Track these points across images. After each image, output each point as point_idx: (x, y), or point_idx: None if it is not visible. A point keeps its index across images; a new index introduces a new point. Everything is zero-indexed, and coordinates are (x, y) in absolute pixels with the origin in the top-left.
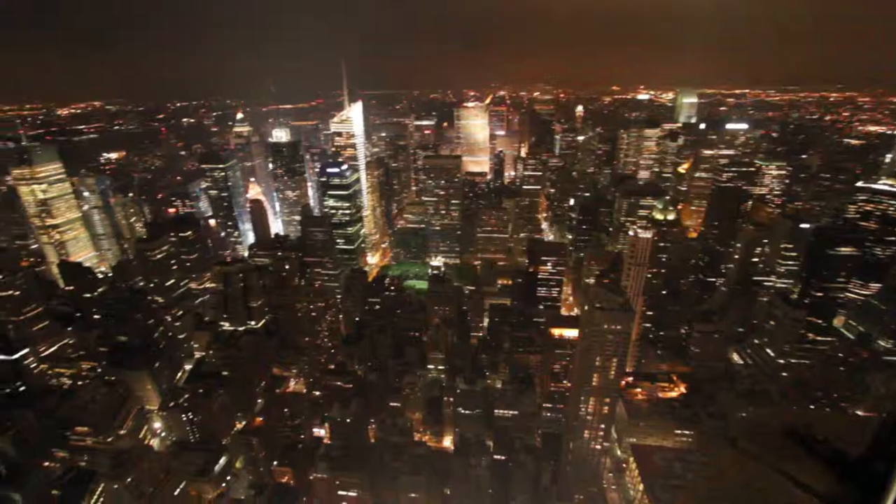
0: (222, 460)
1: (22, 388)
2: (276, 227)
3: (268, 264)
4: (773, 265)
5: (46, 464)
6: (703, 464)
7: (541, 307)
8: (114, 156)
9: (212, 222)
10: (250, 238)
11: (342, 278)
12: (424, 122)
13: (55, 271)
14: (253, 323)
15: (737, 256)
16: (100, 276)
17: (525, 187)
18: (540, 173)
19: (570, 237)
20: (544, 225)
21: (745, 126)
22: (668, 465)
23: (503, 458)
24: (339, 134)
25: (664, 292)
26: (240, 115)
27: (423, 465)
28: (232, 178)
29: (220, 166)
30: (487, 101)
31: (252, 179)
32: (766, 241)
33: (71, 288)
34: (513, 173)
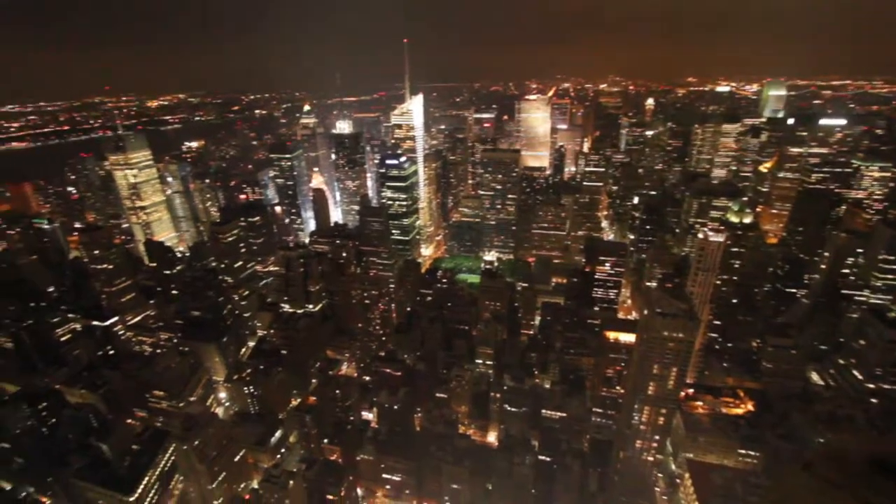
0: (278, 433)
1: (111, 352)
2: (335, 215)
3: (327, 251)
4: (868, 278)
5: (129, 421)
6: (768, 487)
7: (596, 308)
8: (194, 144)
9: (277, 209)
10: (312, 225)
11: (396, 268)
12: (484, 115)
13: (141, 249)
14: (311, 306)
15: (824, 266)
16: (178, 254)
17: (586, 183)
18: (602, 169)
19: (632, 237)
20: (604, 223)
21: (842, 122)
22: (728, 485)
23: (548, 459)
24: (399, 126)
25: (735, 301)
26: (307, 108)
27: (466, 457)
28: (297, 167)
29: (287, 156)
30: (550, 93)
31: (315, 169)
32: (860, 250)
33: (154, 265)
34: (573, 169)
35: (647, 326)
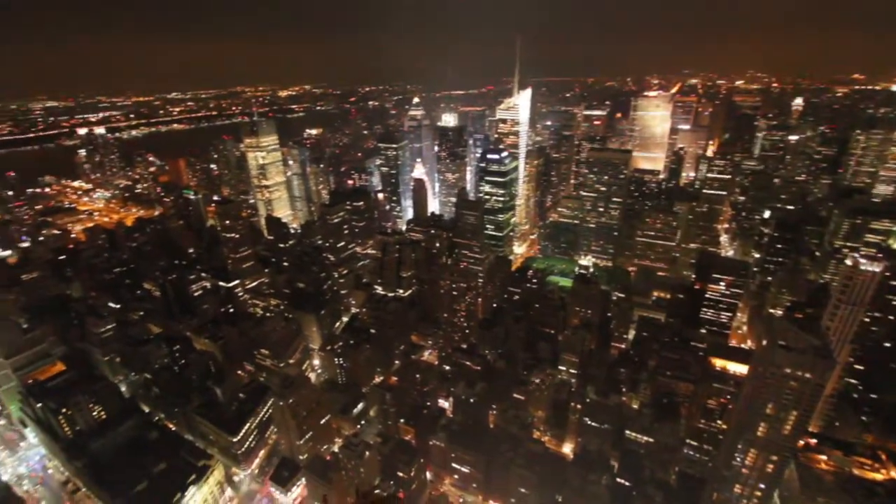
0: (361, 405)
1: (231, 310)
2: (433, 206)
3: (421, 240)
4: None
5: (238, 372)
6: None
7: (703, 331)
8: (314, 132)
9: (380, 196)
10: (410, 214)
11: (487, 263)
12: (595, 112)
13: (262, 223)
14: (401, 291)
15: None
16: (292, 231)
17: (706, 191)
18: (728, 176)
19: (757, 256)
20: (724, 237)
21: None
22: None
23: (627, 483)
24: (504, 121)
25: (887, 345)
26: (416, 100)
27: (537, 463)
28: (402, 157)
29: (394, 146)
30: (674, 90)
31: (418, 160)
32: None
33: (271, 238)
34: (692, 174)
35: (765, 359)
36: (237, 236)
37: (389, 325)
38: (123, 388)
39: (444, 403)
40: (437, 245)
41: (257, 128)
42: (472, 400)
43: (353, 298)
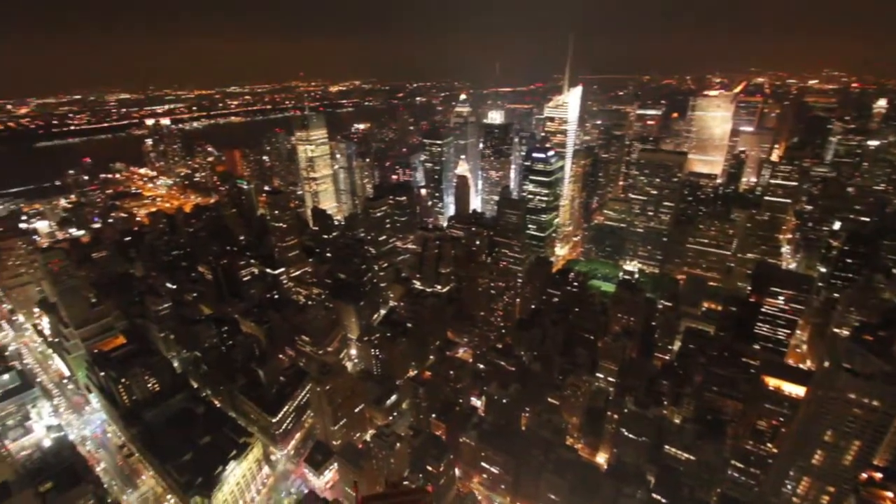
0: (394, 397)
1: (276, 296)
2: (475, 203)
3: (461, 237)
4: None
5: (280, 356)
6: None
7: (756, 347)
8: (361, 126)
9: (423, 191)
10: (451, 210)
11: (527, 263)
12: (649, 112)
13: (308, 214)
14: (439, 287)
15: None
16: (336, 223)
17: (768, 198)
18: (795, 183)
19: (823, 270)
20: (785, 248)
21: None
22: None
23: (663, 500)
24: (552, 119)
25: None
26: (463, 96)
27: (569, 470)
28: (446, 153)
29: (438, 142)
30: (737, 89)
31: (462, 157)
32: None
33: (316, 229)
34: (754, 180)
35: (827, 382)
36: (285, 226)
37: (426, 320)
38: (176, 364)
39: (477, 402)
40: (478, 243)
41: (308, 122)
42: (504, 400)
43: (392, 292)
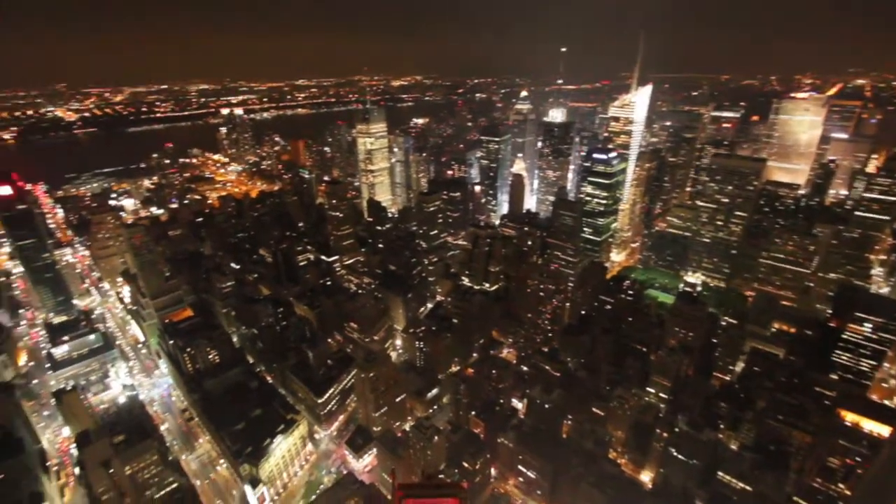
0: (435, 390)
1: (328, 283)
2: (529, 203)
3: (513, 236)
4: None
5: (329, 340)
6: None
7: (834, 377)
8: (420, 121)
9: (477, 188)
10: (504, 209)
11: (579, 267)
12: (725, 114)
13: (364, 205)
14: (487, 285)
15: None
16: (389, 215)
17: (860, 213)
18: (894, 198)
19: None
20: (877, 270)
21: None
22: None
23: None
24: (616, 119)
25: None
26: (524, 93)
27: (610, 485)
28: (503, 151)
29: (496, 139)
30: (832, 91)
31: (519, 155)
32: None
33: (370, 220)
34: (844, 192)
35: None
36: (341, 215)
37: (472, 317)
38: (235, 339)
39: (518, 404)
40: (530, 243)
41: (369, 115)
42: (547, 405)
43: (440, 287)
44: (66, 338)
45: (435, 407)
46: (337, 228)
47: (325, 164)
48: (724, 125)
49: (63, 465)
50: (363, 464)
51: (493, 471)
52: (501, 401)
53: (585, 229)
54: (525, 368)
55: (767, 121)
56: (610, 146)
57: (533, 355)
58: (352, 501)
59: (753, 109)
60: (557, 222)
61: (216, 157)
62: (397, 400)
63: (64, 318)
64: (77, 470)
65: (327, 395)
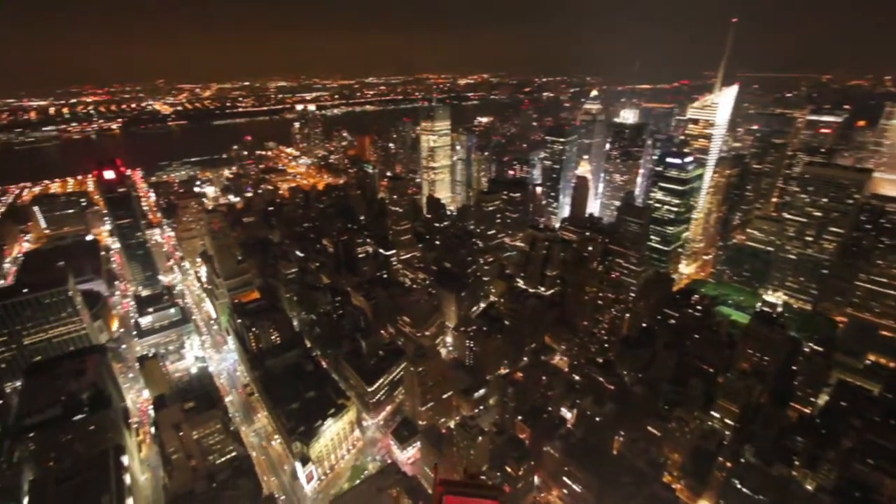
0: (482, 391)
1: (385, 276)
2: (592, 207)
3: (573, 240)
4: None
5: (382, 332)
6: None
7: None
8: (484, 120)
9: (538, 189)
10: (566, 212)
11: (643, 278)
12: (825, 118)
13: (423, 201)
14: (542, 289)
15: None
16: (448, 212)
17: None
18: None
19: None
20: None
21: None
22: None
23: None
24: (695, 121)
25: None
26: (594, 93)
27: None
28: (568, 152)
29: (561, 140)
30: None
31: (585, 157)
32: None
33: (429, 216)
34: None
35: None
36: (401, 210)
37: (525, 320)
38: (295, 323)
39: (567, 413)
40: (590, 249)
41: (434, 113)
42: (598, 418)
43: (494, 287)
44: (151, 309)
45: (481, 407)
46: (396, 223)
47: (388, 159)
48: (823, 130)
49: (142, 423)
50: (406, 455)
51: (536, 479)
52: (550, 408)
53: (653, 238)
54: (577, 378)
55: (877, 126)
56: (686, 150)
57: (586, 365)
58: (394, 490)
59: (859, 113)
60: (622, 228)
61: (289, 150)
62: (444, 396)
63: (150, 291)
64: (152, 429)
65: (377, 384)
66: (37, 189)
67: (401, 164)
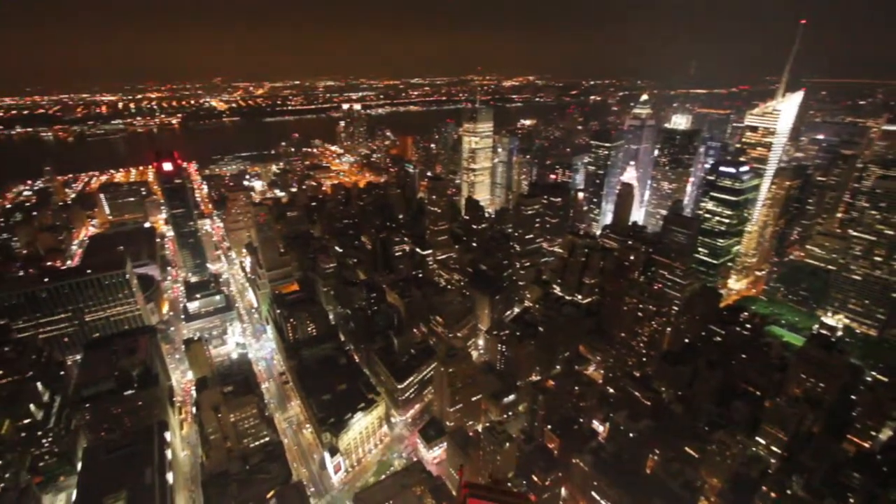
0: (512, 396)
1: (420, 275)
2: (636, 215)
3: (614, 248)
4: None
5: (414, 330)
6: None
7: None
8: (527, 122)
9: (580, 195)
10: (607, 219)
11: (688, 291)
12: None
13: (462, 203)
14: (579, 297)
15: None
16: (486, 214)
17: None
18: None
19: None
20: None
21: None
22: None
23: None
24: (754, 129)
25: None
26: (644, 97)
27: None
28: (613, 157)
29: (607, 145)
30: None
31: (632, 163)
32: None
33: (467, 218)
34: None
35: None
36: (439, 211)
37: (559, 328)
38: (331, 316)
39: (599, 427)
40: (632, 258)
41: (477, 114)
42: (632, 434)
43: (529, 292)
44: (198, 295)
45: (510, 413)
46: (434, 223)
47: (429, 159)
48: None
49: (184, 402)
50: (432, 455)
51: (563, 491)
52: (581, 420)
53: (700, 250)
54: (611, 390)
55: None
56: (742, 159)
57: (622, 378)
58: (418, 489)
59: None
60: (667, 238)
61: (333, 147)
62: (473, 399)
63: (198, 278)
64: (193, 409)
65: (407, 382)
66: (103, 178)
67: (441, 165)
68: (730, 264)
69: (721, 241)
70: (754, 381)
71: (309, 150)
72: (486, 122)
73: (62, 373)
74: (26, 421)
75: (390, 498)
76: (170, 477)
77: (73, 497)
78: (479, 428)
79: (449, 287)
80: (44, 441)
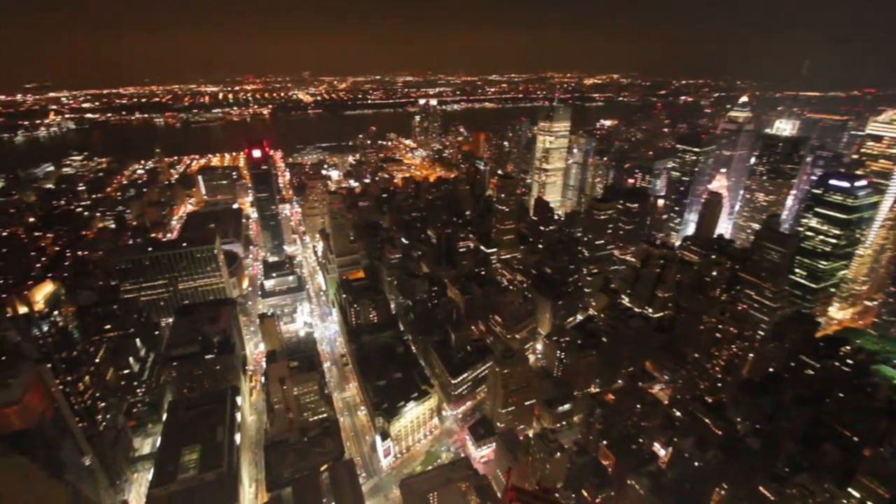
0: (568, 405)
1: (482, 272)
2: (723, 227)
3: (694, 262)
4: None
5: (472, 328)
6: None
7: None
8: (608, 123)
9: (660, 202)
10: (689, 230)
11: (778, 315)
12: None
13: (531, 203)
14: (650, 310)
15: None
16: (555, 216)
17: None
18: None
19: None
20: None
21: None
22: None
23: None
24: (877, 138)
25: None
26: (743, 99)
27: None
28: (701, 164)
29: (695, 150)
30: None
31: (723, 170)
32: None
33: (535, 219)
34: None
35: None
36: (507, 209)
37: (625, 340)
38: (392, 306)
39: (660, 450)
40: (714, 274)
41: (553, 113)
42: (697, 463)
43: (595, 300)
44: (274, 274)
45: (563, 422)
46: (501, 222)
47: (501, 157)
48: None
49: (255, 372)
50: (480, 454)
51: None
52: (641, 440)
53: (797, 271)
54: (678, 413)
55: None
56: (859, 172)
57: (691, 402)
58: (463, 485)
59: None
60: (758, 255)
61: (407, 141)
62: (526, 403)
63: (276, 258)
64: (262, 379)
65: (461, 377)
66: (202, 161)
67: (513, 163)
68: (833, 290)
69: (824, 263)
70: (852, 425)
71: (384, 142)
72: (562, 122)
73: (157, 333)
74: (125, 371)
75: (435, 489)
76: (238, 438)
77: (157, 443)
78: (530, 433)
79: (511, 287)
80: (138, 391)
